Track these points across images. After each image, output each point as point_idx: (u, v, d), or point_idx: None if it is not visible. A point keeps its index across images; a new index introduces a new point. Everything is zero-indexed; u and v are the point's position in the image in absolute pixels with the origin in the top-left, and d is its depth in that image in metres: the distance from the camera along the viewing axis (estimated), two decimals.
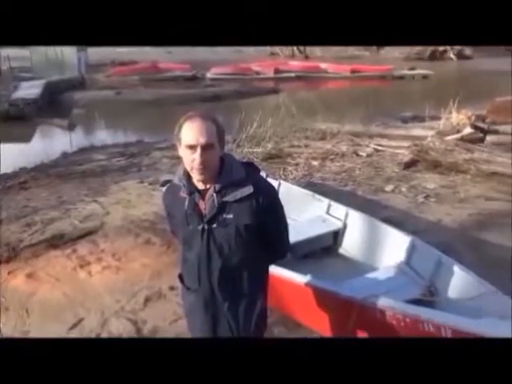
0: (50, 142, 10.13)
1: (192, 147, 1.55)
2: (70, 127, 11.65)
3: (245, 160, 2.03)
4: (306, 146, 7.49)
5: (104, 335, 2.92)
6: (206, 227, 1.64)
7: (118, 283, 3.53)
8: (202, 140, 1.54)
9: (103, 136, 10.30)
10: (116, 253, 3.99)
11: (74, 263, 3.85)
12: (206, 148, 1.55)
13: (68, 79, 17.55)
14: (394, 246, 3.16)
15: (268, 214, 1.66)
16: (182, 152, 1.61)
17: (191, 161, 1.57)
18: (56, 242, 4.22)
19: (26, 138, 10.49)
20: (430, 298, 2.68)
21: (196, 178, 1.64)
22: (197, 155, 1.55)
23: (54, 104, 14.35)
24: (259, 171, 1.81)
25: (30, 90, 14.33)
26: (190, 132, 1.56)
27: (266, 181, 1.80)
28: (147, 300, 3.31)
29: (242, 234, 1.64)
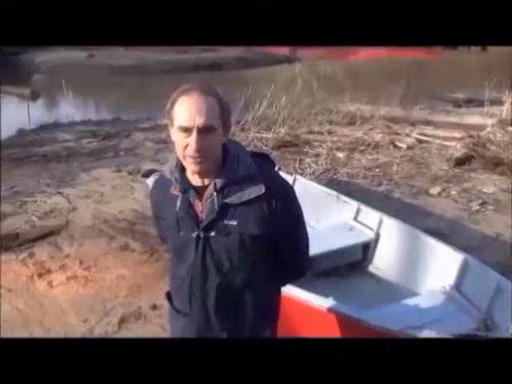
0: (3, 116, 10.16)
1: (186, 129, 1.51)
2: (33, 97, 11.60)
3: (255, 150, 2.01)
4: (330, 132, 7.50)
5: None
6: (202, 235, 1.61)
7: (85, 298, 3.55)
8: (200, 121, 1.50)
9: (71, 110, 10.32)
10: (84, 260, 4.01)
11: (30, 271, 3.87)
12: (204, 131, 1.51)
13: None
14: (440, 266, 3.16)
15: (283, 221, 1.64)
16: (175, 135, 1.58)
17: (184, 147, 1.53)
18: (9, 243, 4.24)
19: None
20: (485, 333, 2.68)
21: (190, 170, 1.60)
22: (192, 140, 1.50)
23: (6, 67, 14.41)
24: (274, 166, 1.79)
25: None
26: (185, 110, 1.52)
27: (282, 179, 1.76)
28: (122, 321, 3.33)
29: (247, 246, 1.62)
